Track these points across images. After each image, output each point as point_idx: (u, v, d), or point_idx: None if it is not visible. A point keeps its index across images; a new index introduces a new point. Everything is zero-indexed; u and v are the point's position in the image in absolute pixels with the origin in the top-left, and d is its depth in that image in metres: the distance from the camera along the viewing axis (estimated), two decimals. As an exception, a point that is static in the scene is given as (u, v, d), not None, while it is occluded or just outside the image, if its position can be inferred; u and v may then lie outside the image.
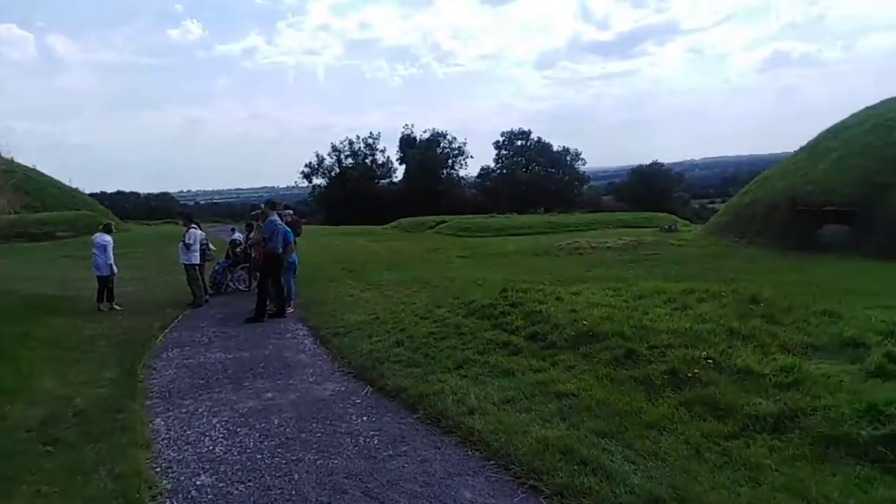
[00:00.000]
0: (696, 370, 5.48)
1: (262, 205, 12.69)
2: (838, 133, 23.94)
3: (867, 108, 24.64)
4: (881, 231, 19.11)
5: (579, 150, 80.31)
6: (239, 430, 5.70)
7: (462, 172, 78.84)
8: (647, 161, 78.17)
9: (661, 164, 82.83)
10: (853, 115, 24.78)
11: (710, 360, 5.69)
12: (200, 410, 6.32)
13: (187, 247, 13.84)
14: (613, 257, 22.39)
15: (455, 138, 77.41)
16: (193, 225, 14.35)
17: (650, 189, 73.30)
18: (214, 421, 5.97)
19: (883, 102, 24.42)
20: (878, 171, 20.09)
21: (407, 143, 77.00)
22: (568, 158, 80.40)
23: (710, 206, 76.40)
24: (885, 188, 19.55)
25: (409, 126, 77.69)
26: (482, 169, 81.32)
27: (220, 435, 5.58)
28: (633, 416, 4.98)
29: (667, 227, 32.68)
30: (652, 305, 8.19)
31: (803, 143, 26.07)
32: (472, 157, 77.75)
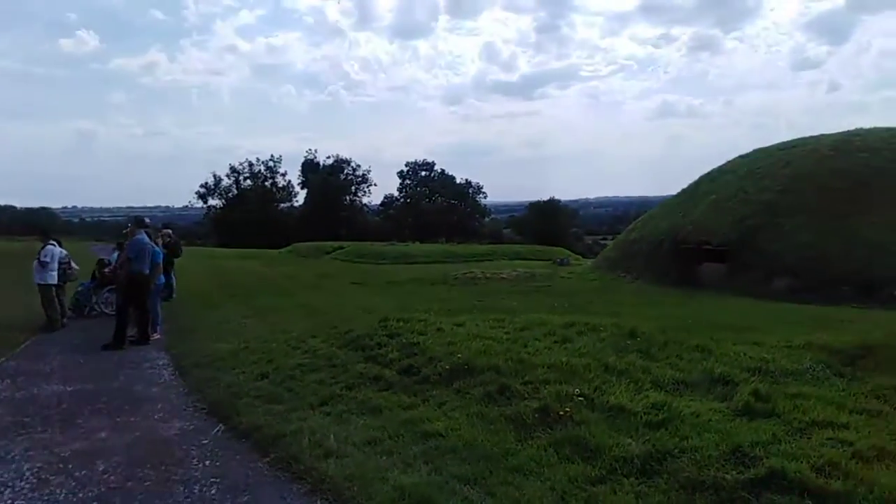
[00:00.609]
0: (568, 408, 5.23)
1: (129, 223, 11.68)
2: (715, 178, 25.44)
3: (741, 157, 26.39)
4: (751, 270, 20.27)
5: (481, 183, 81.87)
6: (53, 478, 4.87)
7: (365, 200, 78.39)
8: (545, 197, 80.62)
9: (559, 201, 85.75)
10: (729, 162, 26.45)
11: (583, 397, 5.48)
12: (13, 454, 5.40)
13: (43, 265, 12.52)
14: (505, 288, 22.48)
15: (359, 165, 77.13)
16: (51, 241, 13.01)
17: (547, 224, 75.52)
18: (26, 467, 5.09)
19: (754, 151, 26.25)
20: (749, 214, 21.38)
21: (309, 167, 75.69)
22: (470, 191, 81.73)
23: (602, 241, 79.71)
24: (755, 230, 20.81)
25: (313, 151, 76.43)
26: (386, 197, 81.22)
27: (28, 485, 4.74)
28: (500, 458, 4.63)
29: (559, 260, 33.51)
30: (532, 338, 8.00)
31: (686, 186, 27.57)
32: (375, 184, 77.63)
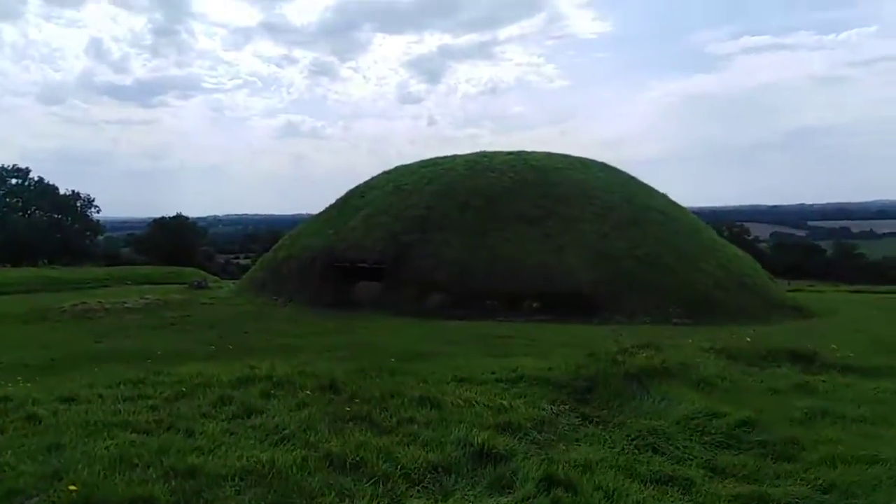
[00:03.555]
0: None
1: None
2: (364, 193, 25.11)
3: (385, 173, 26.64)
4: (406, 287, 20.11)
5: (91, 195, 70.09)
6: None
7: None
8: (169, 213, 72.91)
9: (186, 218, 78.80)
10: (375, 177, 26.46)
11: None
12: None
13: None
14: (134, 321, 18.26)
15: (-88, 168, 58.81)
16: None
17: (174, 242, 68.49)
18: None
19: (396, 168, 26.79)
20: (402, 230, 21.33)
21: None
22: (79, 204, 69.36)
23: (234, 261, 76.28)
24: (409, 246, 20.80)
25: None
26: (-39, 209, 63.54)
27: None
28: None
29: (196, 283, 29.60)
30: (198, 414, 5.30)
31: (315, 205, 26.87)
32: (-59, 192, 60.10)
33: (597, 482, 4.00)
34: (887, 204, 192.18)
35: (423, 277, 19.88)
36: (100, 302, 20.75)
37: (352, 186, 26.48)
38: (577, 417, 5.87)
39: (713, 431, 5.16)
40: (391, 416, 5.31)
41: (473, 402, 6.00)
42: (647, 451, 4.82)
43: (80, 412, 5.28)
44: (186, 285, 29.31)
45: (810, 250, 73.57)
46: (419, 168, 25.08)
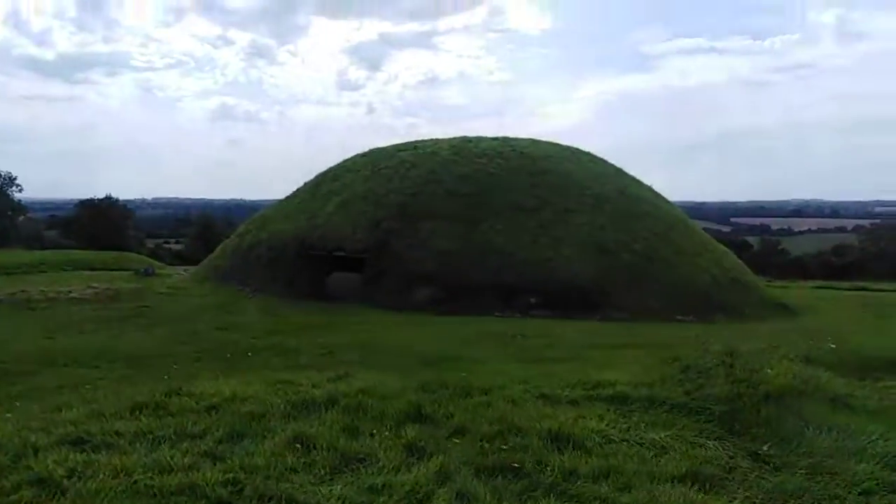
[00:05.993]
0: None
1: None
2: (338, 177, 23.30)
3: (361, 155, 24.88)
4: (391, 279, 18.61)
5: (13, 174, 64.87)
6: None
7: None
8: (95, 195, 68.04)
9: (116, 200, 74.12)
10: (350, 160, 24.70)
11: None
12: None
13: None
14: (85, 313, 16.08)
15: None
16: None
17: (103, 226, 64.11)
18: None
19: (373, 150, 25.02)
20: (383, 217, 19.74)
21: None
22: (-1, 183, 64.07)
23: (165, 245, 72.84)
24: (392, 235, 19.26)
25: None
26: None
27: None
28: None
29: (144, 270, 27.10)
30: (283, 468, 3.81)
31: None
32: None
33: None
34: (802, 203, 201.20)
35: (408, 269, 18.39)
36: (42, 290, 18.33)
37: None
38: (748, 458, 4.69)
39: (960, 484, 4.05)
40: (547, 468, 3.97)
41: (612, 438, 4.76)
42: (907, 516, 3.67)
43: (111, 468, 3.69)
44: (133, 272, 26.78)
45: (739, 246, 75.77)
46: (397, 151, 23.39)
